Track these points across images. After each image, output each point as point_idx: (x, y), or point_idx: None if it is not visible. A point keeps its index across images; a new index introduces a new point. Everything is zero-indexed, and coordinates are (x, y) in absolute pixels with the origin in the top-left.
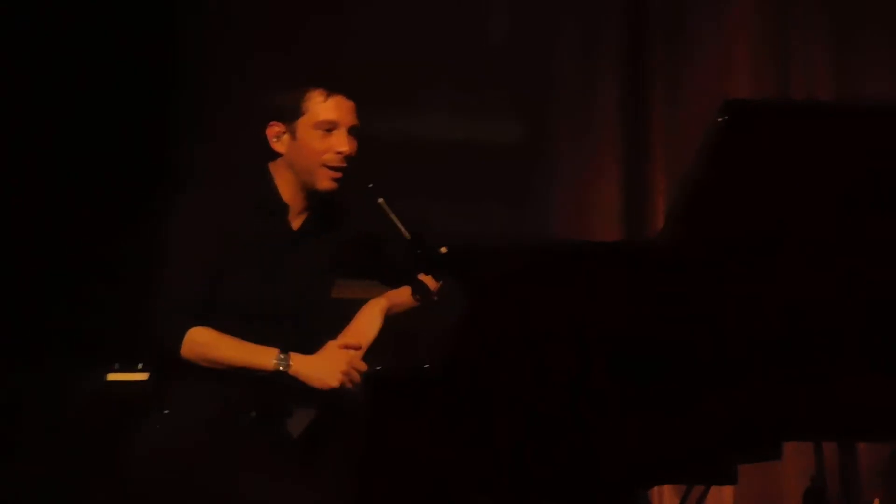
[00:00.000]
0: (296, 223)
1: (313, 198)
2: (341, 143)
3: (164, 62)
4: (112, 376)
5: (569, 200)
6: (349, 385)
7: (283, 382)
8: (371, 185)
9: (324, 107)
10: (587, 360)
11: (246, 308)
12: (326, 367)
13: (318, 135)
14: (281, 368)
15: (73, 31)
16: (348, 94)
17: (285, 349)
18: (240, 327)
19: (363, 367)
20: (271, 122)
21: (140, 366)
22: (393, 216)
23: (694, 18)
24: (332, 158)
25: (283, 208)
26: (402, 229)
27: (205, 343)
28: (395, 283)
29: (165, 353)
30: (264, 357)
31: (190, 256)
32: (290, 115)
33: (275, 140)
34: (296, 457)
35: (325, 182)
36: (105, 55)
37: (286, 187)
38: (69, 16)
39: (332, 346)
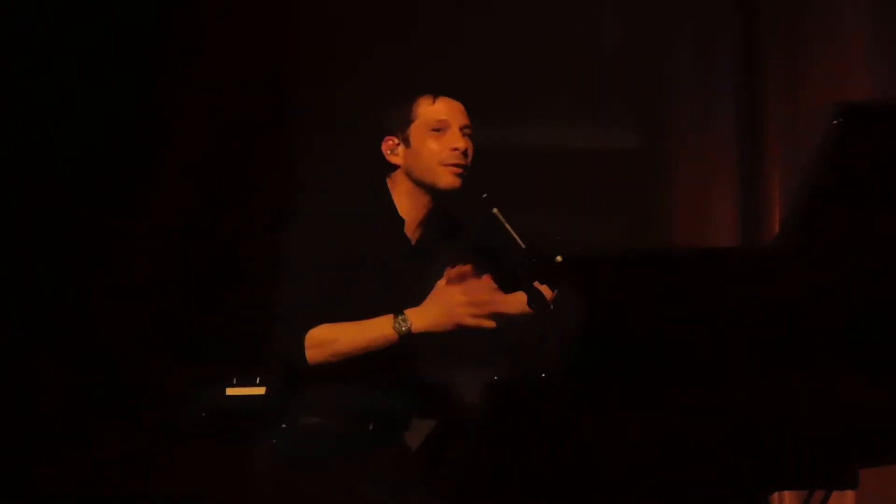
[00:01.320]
0: (413, 236)
1: (435, 204)
2: (456, 140)
3: (278, 79)
4: (231, 391)
5: (685, 208)
6: (482, 321)
7: (414, 346)
8: (485, 196)
9: (433, 109)
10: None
11: None
12: (444, 306)
13: (432, 136)
14: (403, 330)
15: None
16: (455, 96)
17: (407, 363)
18: None
19: (484, 295)
20: (386, 137)
21: (258, 380)
22: (508, 226)
23: (807, 22)
24: (449, 156)
25: (400, 222)
26: (518, 239)
27: (323, 341)
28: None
29: (295, 368)
30: (382, 327)
31: (308, 269)
32: (402, 124)
33: (390, 153)
34: (415, 469)
35: (447, 178)
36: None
37: (404, 199)
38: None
39: (439, 286)
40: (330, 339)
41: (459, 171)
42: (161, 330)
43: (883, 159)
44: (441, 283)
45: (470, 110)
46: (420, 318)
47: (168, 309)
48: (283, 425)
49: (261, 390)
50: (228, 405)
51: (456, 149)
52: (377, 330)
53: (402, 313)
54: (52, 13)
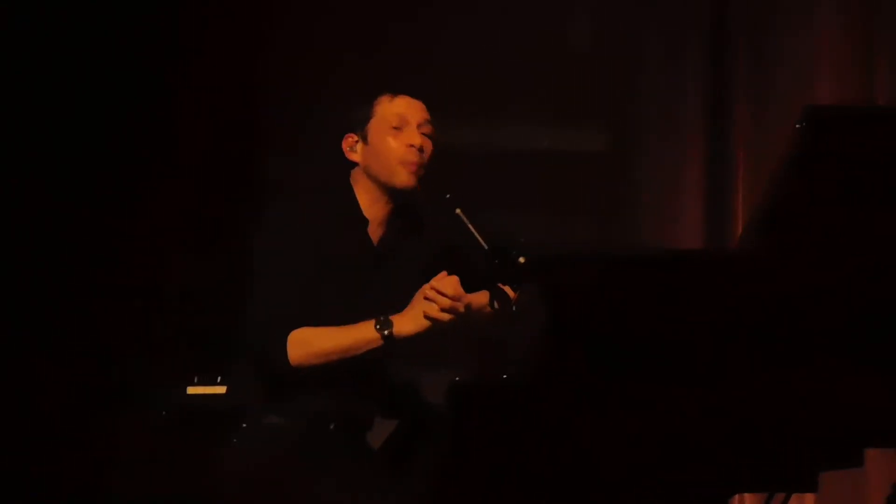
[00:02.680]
0: (376, 235)
1: (395, 204)
2: (412, 137)
3: (249, 77)
4: (192, 390)
5: (653, 209)
6: (459, 310)
7: (394, 351)
8: (448, 196)
9: (390, 106)
10: (669, 368)
11: (329, 323)
12: (422, 309)
13: (391, 133)
14: (386, 333)
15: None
16: (414, 94)
17: (369, 364)
18: None
19: (454, 289)
20: (346, 135)
21: (219, 379)
22: (471, 226)
23: (777, 26)
24: (405, 153)
25: (364, 222)
26: (480, 240)
27: (305, 340)
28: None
29: (276, 366)
30: (365, 331)
31: (282, 269)
32: (362, 122)
33: (350, 151)
34: (377, 468)
35: (402, 177)
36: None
37: (365, 196)
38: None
39: (418, 296)
40: (310, 338)
41: (415, 169)
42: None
43: (847, 162)
44: (419, 293)
45: (435, 112)
46: (402, 323)
47: (139, 307)
48: (244, 425)
49: (221, 389)
50: (190, 404)
51: (412, 146)
52: (360, 332)
53: (385, 317)
54: (49, 14)
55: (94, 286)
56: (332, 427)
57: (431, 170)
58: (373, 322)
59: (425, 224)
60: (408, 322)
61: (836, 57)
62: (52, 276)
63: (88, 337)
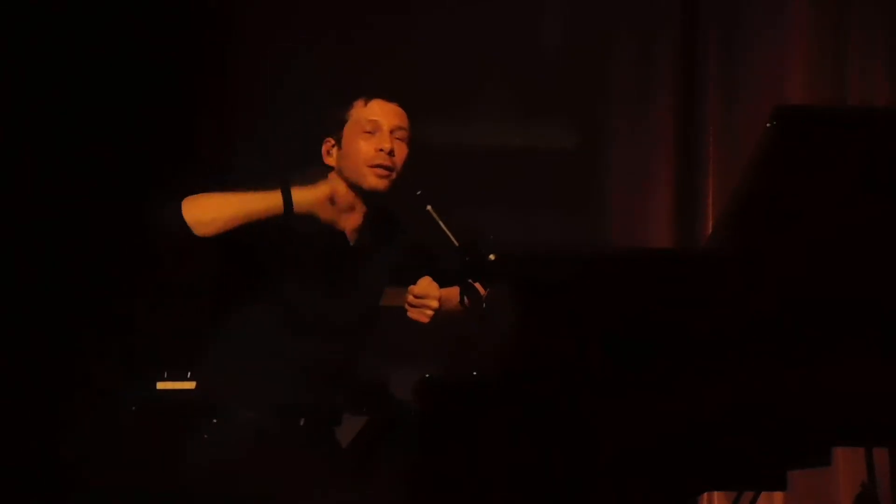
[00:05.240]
0: (351, 237)
1: (368, 207)
2: (383, 141)
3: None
4: (161, 385)
5: (623, 207)
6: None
7: (294, 221)
8: (419, 193)
9: (364, 111)
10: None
11: (306, 324)
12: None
13: (363, 137)
14: (287, 198)
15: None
16: (389, 98)
17: (340, 361)
18: (298, 342)
19: (435, 291)
20: (325, 139)
21: (189, 374)
22: (441, 223)
23: (749, 24)
24: (375, 156)
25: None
26: (451, 236)
27: (201, 200)
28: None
29: (171, 231)
30: (270, 197)
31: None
32: (338, 126)
33: (326, 155)
34: (346, 465)
35: (371, 180)
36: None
37: (342, 199)
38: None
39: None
40: (212, 200)
41: (385, 172)
42: (94, 325)
43: (816, 162)
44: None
45: (406, 110)
46: (302, 193)
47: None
48: (214, 420)
49: (191, 385)
50: (159, 399)
51: (381, 150)
52: (264, 197)
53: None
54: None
55: (66, 282)
56: (301, 422)
57: (405, 174)
58: (278, 192)
59: (398, 223)
60: (306, 193)
61: (808, 54)
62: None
63: (59, 333)
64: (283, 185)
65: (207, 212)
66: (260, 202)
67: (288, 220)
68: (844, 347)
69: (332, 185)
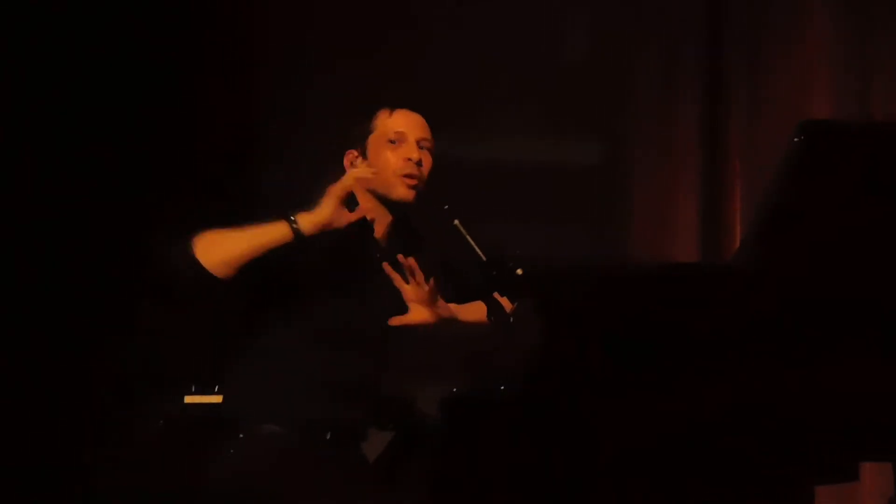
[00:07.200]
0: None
1: (394, 217)
2: (410, 151)
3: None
4: (189, 399)
5: (648, 221)
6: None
7: (310, 247)
8: (447, 207)
9: (390, 121)
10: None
11: (334, 334)
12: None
13: (389, 148)
14: (295, 227)
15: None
16: (416, 109)
17: (367, 375)
18: (325, 356)
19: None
20: (347, 151)
21: (216, 388)
22: (469, 238)
23: (773, 38)
24: (403, 166)
25: (369, 230)
26: (478, 251)
27: (212, 240)
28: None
29: (183, 271)
30: (276, 229)
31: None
32: (361, 137)
33: (350, 167)
34: (372, 479)
35: (401, 190)
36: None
37: (366, 211)
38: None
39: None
40: (218, 238)
41: (413, 182)
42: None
43: (842, 176)
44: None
45: (431, 124)
46: (309, 218)
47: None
48: (241, 434)
49: (218, 399)
50: (187, 414)
51: (410, 159)
52: (271, 230)
53: (294, 217)
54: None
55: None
56: (328, 437)
57: (431, 184)
58: (285, 222)
59: (424, 236)
60: (312, 216)
61: (831, 68)
62: (51, 279)
63: (86, 346)
64: (284, 216)
65: (220, 253)
66: (268, 235)
67: (303, 244)
68: (844, 347)
69: (334, 197)
